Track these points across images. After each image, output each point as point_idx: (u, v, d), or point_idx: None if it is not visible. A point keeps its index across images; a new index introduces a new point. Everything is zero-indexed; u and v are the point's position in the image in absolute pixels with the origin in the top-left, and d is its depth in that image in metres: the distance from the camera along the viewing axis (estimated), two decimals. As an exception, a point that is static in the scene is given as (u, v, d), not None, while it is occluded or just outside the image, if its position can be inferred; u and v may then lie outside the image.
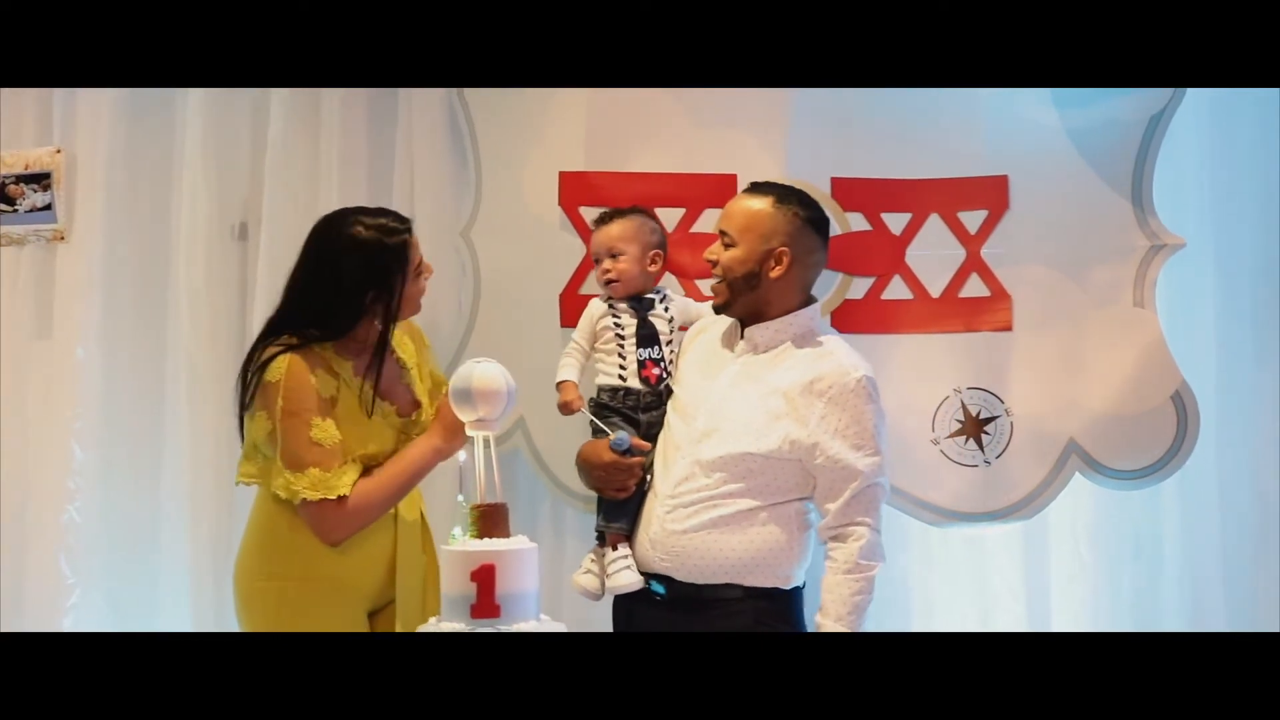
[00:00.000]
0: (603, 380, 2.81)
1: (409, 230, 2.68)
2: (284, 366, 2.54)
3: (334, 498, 2.53)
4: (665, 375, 2.80)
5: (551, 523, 3.24)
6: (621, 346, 2.79)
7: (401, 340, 2.77)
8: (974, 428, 3.10)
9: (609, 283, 2.85)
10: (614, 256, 2.85)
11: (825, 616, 2.53)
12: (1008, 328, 3.11)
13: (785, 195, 2.68)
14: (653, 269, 2.88)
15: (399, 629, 2.64)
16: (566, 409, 2.79)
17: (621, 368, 2.78)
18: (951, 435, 3.10)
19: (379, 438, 2.64)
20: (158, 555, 3.48)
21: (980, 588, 3.25)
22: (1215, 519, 3.19)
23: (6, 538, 3.47)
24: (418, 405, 2.73)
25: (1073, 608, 3.23)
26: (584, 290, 3.15)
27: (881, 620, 3.19)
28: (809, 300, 2.73)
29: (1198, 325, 3.18)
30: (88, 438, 3.46)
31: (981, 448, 3.09)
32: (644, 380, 2.77)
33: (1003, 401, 3.09)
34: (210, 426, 3.37)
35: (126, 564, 3.48)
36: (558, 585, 3.10)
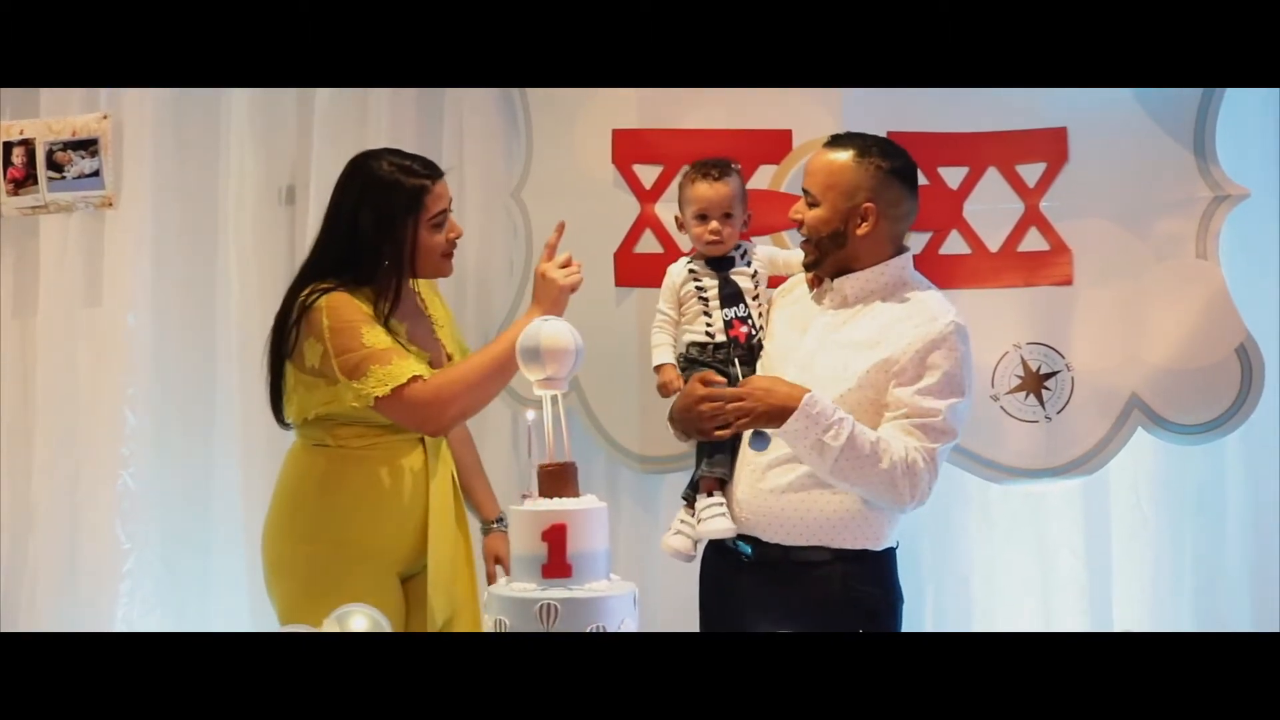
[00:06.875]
0: (690, 337, 2.75)
1: (433, 178, 2.64)
2: (325, 296, 2.56)
3: (405, 379, 2.52)
4: (755, 332, 2.71)
5: (606, 482, 3.23)
6: (706, 307, 2.72)
7: (433, 300, 2.81)
8: (1034, 383, 3.06)
9: (712, 244, 2.74)
10: (728, 217, 2.73)
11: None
12: (1068, 282, 3.07)
13: (867, 147, 2.58)
14: (743, 230, 2.80)
15: (430, 596, 2.62)
16: (666, 390, 2.71)
17: (709, 328, 2.71)
18: (1012, 391, 3.07)
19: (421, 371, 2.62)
20: (212, 519, 3.49)
21: (1040, 545, 3.22)
22: (1279, 474, 3.14)
23: (62, 504, 3.49)
24: (449, 358, 2.74)
25: (1134, 565, 3.20)
26: (639, 249, 3.14)
27: (940, 578, 3.21)
28: (900, 250, 2.62)
29: (1263, 277, 3.12)
30: (140, 404, 3.47)
31: (1042, 403, 3.06)
32: (733, 340, 2.69)
33: (1063, 356, 3.06)
34: (261, 390, 3.33)
35: (181, 528, 3.49)
36: (615, 545, 3.08)
